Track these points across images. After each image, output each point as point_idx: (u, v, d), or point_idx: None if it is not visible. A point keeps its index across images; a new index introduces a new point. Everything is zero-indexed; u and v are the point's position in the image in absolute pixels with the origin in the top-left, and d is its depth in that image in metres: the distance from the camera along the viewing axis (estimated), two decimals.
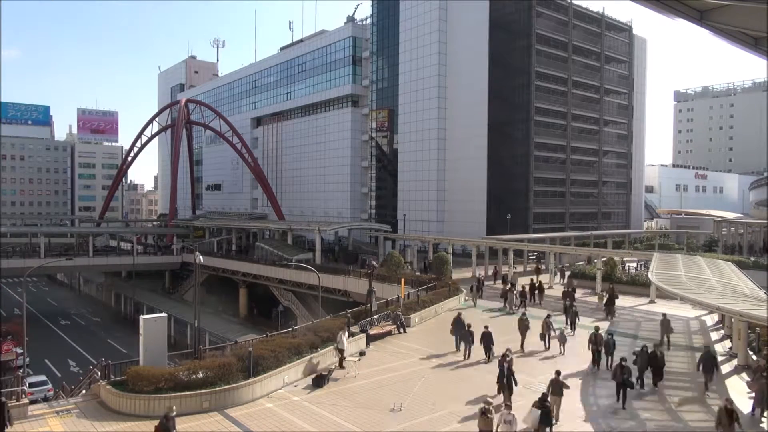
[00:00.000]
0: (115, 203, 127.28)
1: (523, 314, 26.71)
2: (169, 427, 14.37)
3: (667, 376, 21.67)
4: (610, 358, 21.46)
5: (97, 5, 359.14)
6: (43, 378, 37.28)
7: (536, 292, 36.23)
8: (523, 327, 25.14)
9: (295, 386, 20.58)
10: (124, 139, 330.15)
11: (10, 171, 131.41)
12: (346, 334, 23.44)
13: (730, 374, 21.79)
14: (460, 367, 23.08)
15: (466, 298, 37.07)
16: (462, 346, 24.64)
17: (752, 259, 52.28)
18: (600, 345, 22.11)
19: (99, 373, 19.81)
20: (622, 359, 18.79)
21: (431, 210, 71.16)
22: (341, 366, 22.52)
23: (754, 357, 22.02)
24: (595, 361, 22.23)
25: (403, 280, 36.81)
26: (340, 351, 22.70)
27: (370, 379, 21.43)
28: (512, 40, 68.03)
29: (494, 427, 14.79)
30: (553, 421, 15.92)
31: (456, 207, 69.51)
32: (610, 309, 31.67)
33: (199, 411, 17.72)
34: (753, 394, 17.96)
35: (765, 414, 17.12)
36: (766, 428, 16.70)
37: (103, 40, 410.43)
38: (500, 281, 42.97)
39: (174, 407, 15.47)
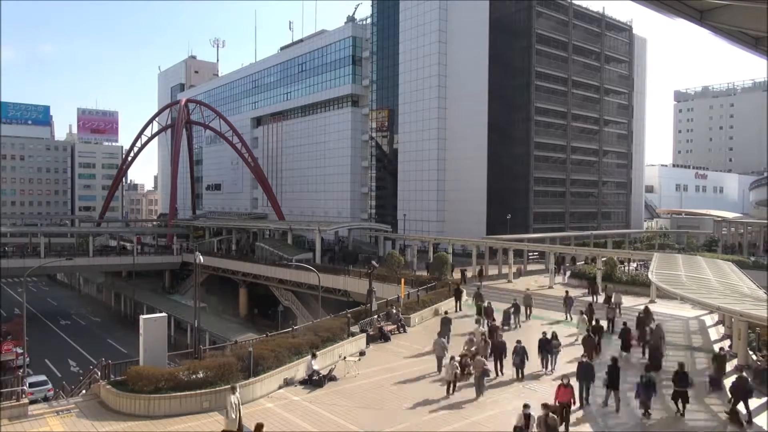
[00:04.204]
0: (115, 203, 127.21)
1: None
2: None
3: (666, 375, 21.68)
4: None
5: (97, 5, 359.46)
6: (43, 378, 37.28)
7: None
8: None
9: (295, 386, 20.59)
10: (124, 139, 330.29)
11: (10, 171, 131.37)
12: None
13: (729, 374, 21.77)
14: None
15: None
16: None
17: (752, 259, 52.30)
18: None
19: (99, 373, 19.81)
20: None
21: (431, 210, 71.16)
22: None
23: (754, 357, 22.02)
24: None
25: (403, 280, 36.87)
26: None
27: (370, 379, 21.44)
28: (512, 40, 67.99)
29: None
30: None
31: (456, 207, 69.50)
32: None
33: (199, 411, 17.73)
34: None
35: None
36: (766, 428, 16.69)
37: (103, 40, 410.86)
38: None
39: None
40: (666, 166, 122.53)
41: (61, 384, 31.09)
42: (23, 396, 17.61)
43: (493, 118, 66.75)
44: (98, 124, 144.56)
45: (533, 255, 56.11)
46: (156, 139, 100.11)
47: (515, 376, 21.27)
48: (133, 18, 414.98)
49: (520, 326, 29.50)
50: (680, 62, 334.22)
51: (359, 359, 23.43)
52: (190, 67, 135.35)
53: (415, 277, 41.22)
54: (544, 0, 68.89)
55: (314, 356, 21.31)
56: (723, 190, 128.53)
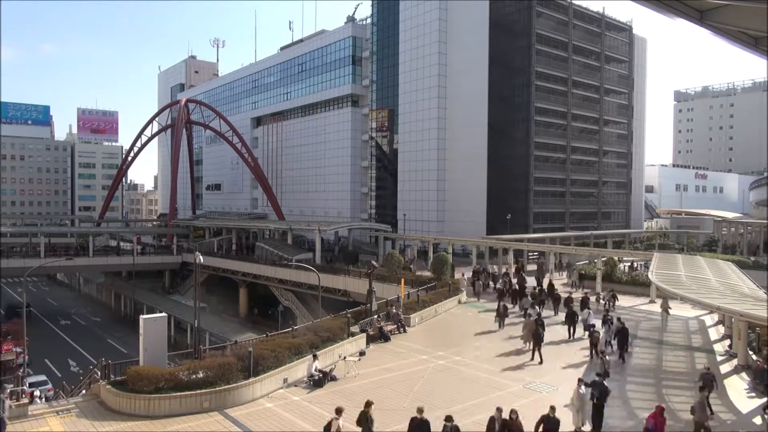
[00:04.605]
0: (115, 203, 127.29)
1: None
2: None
3: (665, 375, 21.74)
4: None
5: (97, 5, 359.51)
6: (43, 378, 37.29)
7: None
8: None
9: (295, 386, 20.59)
10: (124, 139, 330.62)
11: (10, 171, 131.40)
12: None
13: (729, 374, 21.80)
14: (460, 367, 23.08)
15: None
16: None
17: (752, 259, 52.31)
18: None
19: (99, 373, 19.81)
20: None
21: (431, 210, 71.14)
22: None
23: (754, 357, 22.03)
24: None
25: (403, 280, 36.85)
26: None
27: (370, 379, 21.43)
28: (512, 40, 68.00)
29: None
30: None
31: (456, 207, 69.49)
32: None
33: (199, 411, 17.73)
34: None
35: None
36: (766, 428, 16.70)
37: (103, 40, 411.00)
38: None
39: None
40: (666, 166, 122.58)
41: (61, 384, 31.07)
42: (23, 396, 17.60)
43: (493, 118, 66.73)
44: (98, 124, 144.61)
45: (533, 255, 56.10)
46: (156, 139, 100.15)
47: None
48: (133, 18, 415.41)
49: None
50: (680, 62, 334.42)
51: (359, 359, 23.43)
52: (190, 67, 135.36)
53: (415, 277, 41.23)
54: (544, 0, 68.91)
55: (315, 357, 21.31)
56: (723, 190, 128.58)
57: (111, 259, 71.06)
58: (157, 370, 18.37)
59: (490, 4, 66.67)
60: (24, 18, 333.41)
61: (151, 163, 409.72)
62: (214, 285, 66.91)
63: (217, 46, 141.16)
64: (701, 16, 15.73)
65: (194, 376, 18.31)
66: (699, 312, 31.87)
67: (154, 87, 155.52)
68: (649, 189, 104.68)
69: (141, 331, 19.49)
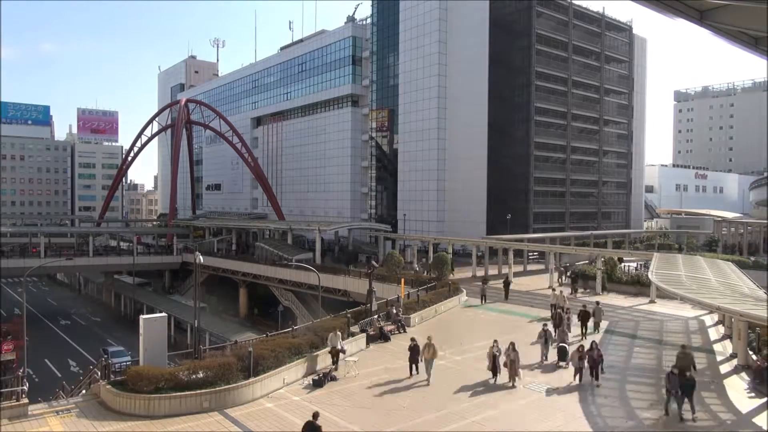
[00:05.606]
0: (115, 203, 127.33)
1: None
2: None
3: (662, 375, 21.72)
4: None
5: (97, 5, 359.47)
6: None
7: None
8: None
9: (296, 386, 20.58)
10: (124, 139, 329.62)
11: (10, 171, 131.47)
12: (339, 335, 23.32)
13: (729, 374, 21.79)
14: (459, 368, 23.09)
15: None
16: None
17: (752, 259, 52.31)
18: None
19: (99, 373, 19.82)
20: None
21: (431, 210, 71.14)
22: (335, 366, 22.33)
23: (754, 357, 22.02)
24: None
25: (403, 280, 36.86)
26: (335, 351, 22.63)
27: (370, 379, 21.43)
28: (512, 40, 68.03)
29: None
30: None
31: (456, 207, 69.49)
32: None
33: (199, 411, 17.74)
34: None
35: None
36: (765, 427, 16.69)
37: (103, 39, 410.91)
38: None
39: None
40: (666, 166, 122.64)
41: (61, 384, 31.06)
42: (23, 396, 17.60)
43: (493, 118, 66.74)
44: (98, 124, 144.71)
45: (533, 255, 56.10)
46: (156, 139, 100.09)
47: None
48: (134, 18, 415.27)
49: None
50: (680, 62, 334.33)
51: (359, 359, 23.43)
52: (190, 67, 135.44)
53: (415, 277, 41.22)
54: (544, 0, 68.92)
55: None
56: (723, 190, 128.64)
57: (111, 259, 71.03)
58: (157, 370, 18.38)
59: (490, 4, 66.68)
60: (24, 18, 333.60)
61: (151, 163, 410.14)
62: (214, 285, 66.89)
63: (217, 46, 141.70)
64: (701, 16, 15.75)
65: (194, 376, 18.33)
66: (699, 312, 31.87)
67: (154, 87, 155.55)
68: (649, 189, 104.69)
69: (141, 331, 19.50)
